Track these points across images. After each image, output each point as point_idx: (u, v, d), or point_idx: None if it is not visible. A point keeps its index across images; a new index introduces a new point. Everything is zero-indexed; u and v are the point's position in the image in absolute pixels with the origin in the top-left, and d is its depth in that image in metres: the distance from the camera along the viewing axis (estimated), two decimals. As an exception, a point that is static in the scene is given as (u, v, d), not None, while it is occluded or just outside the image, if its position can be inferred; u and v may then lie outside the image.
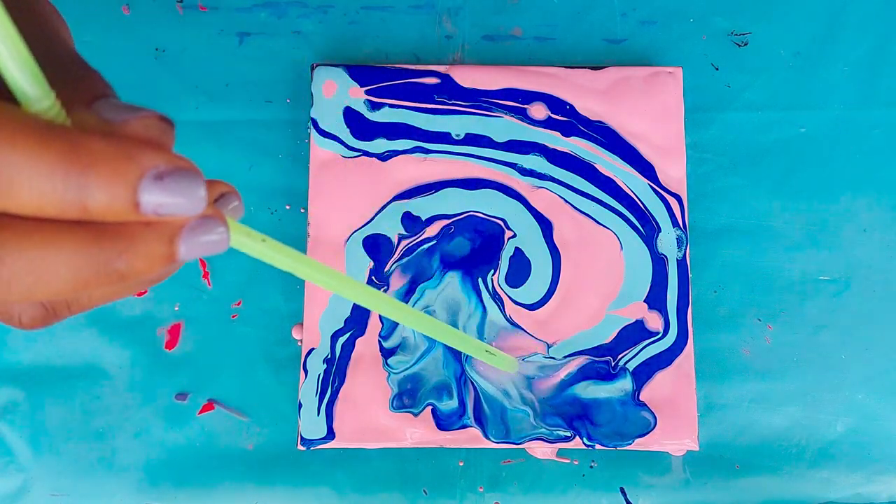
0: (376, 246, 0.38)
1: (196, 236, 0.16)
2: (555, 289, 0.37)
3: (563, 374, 0.37)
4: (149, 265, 0.15)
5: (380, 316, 0.37)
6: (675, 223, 0.38)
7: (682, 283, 0.37)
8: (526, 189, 0.38)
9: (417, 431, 0.36)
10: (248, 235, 0.18)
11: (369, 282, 0.37)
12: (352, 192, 0.38)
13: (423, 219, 0.38)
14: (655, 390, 0.37)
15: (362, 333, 0.37)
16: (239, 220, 0.18)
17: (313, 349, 0.37)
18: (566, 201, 0.38)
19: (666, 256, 0.38)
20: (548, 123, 0.38)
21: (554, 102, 0.38)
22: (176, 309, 0.39)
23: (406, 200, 0.38)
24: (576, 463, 0.38)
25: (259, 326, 0.39)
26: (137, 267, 0.15)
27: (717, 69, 0.41)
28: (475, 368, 0.37)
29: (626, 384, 0.37)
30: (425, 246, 0.38)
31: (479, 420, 0.36)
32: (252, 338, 0.39)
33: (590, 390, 0.37)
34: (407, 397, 0.36)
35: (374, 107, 0.38)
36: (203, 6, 0.41)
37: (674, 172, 0.38)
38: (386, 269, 0.37)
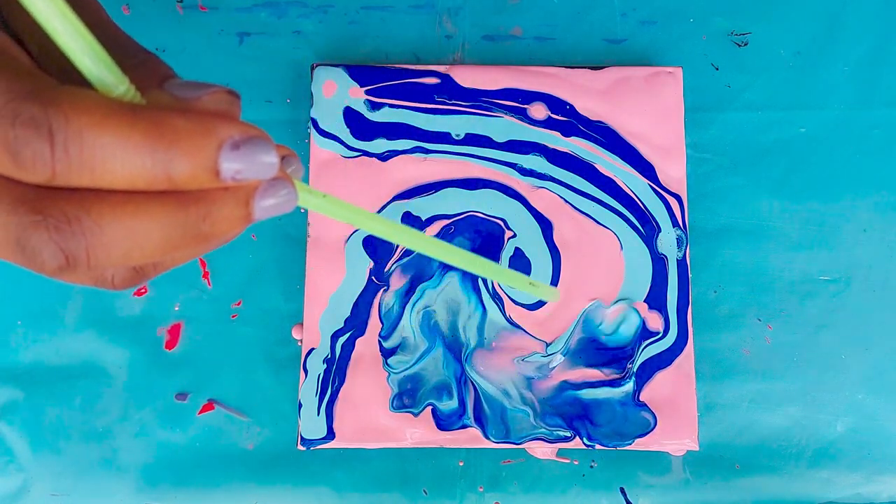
0: (376, 246, 0.38)
1: (268, 197, 0.17)
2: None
3: (565, 377, 0.37)
4: (229, 226, 0.17)
5: (380, 316, 0.37)
6: (675, 223, 0.38)
7: (682, 283, 0.37)
8: (526, 189, 0.38)
9: (417, 431, 0.36)
10: (311, 193, 0.19)
11: (369, 281, 0.37)
12: (352, 192, 0.38)
13: (423, 219, 0.38)
14: (655, 390, 0.37)
15: (362, 333, 0.37)
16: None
17: (313, 349, 0.37)
18: (566, 201, 0.38)
19: (666, 256, 0.38)
20: (548, 123, 0.38)
21: (554, 102, 0.38)
22: (176, 309, 0.39)
23: (406, 200, 0.38)
24: (576, 463, 0.38)
25: (259, 326, 0.39)
26: (219, 228, 0.17)
27: (717, 69, 0.41)
28: (475, 368, 0.37)
29: (626, 385, 0.37)
30: (425, 246, 0.37)
31: (479, 420, 0.36)
32: (252, 338, 0.39)
33: (590, 391, 0.37)
34: (407, 397, 0.37)
35: (374, 107, 0.38)
36: (203, 6, 0.41)
37: (674, 172, 0.38)
38: (386, 269, 0.37)
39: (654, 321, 0.37)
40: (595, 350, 0.37)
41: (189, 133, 0.15)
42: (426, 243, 0.23)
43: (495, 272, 0.28)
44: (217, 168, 0.16)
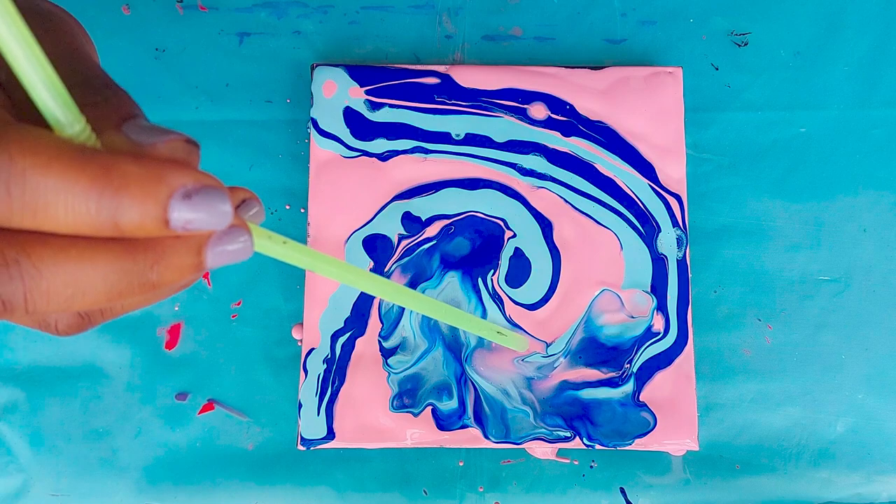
0: (376, 246, 0.38)
1: (222, 245, 0.17)
2: (555, 289, 0.37)
3: (565, 376, 0.37)
4: (179, 275, 0.16)
5: (379, 316, 0.37)
6: (675, 223, 0.38)
7: (682, 283, 0.37)
8: (526, 189, 0.38)
9: (417, 431, 0.36)
10: (270, 238, 0.19)
11: (369, 282, 0.37)
12: (352, 192, 0.38)
13: (423, 219, 0.38)
14: (655, 390, 0.37)
15: (362, 333, 0.37)
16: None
17: (313, 349, 0.37)
18: (566, 201, 0.38)
19: (666, 256, 0.38)
20: (548, 123, 0.38)
21: (554, 102, 0.38)
22: (176, 309, 0.39)
23: (406, 200, 0.38)
24: (576, 463, 0.38)
25: (259, 326, 0.39)
26: (168, 277, 0.16)
27: (717, 69, 0.41)
28: (475, 368, 0.37)
29: (627, 385, 0.37)
30: (425, 246, 0.38)
31: (479, 420, 0.36)
32: (252, 338, 0.39)
33: (590, 391, 0.37)
34: (407, 397, 0.37)
35: (374, 107, 0.38)
36: (203, 6, 0.41)
37: (674, 172, 0.38)
38: (386, 269, 0.37)
39: (655, 321, 0.37)
40: (595, 350, 0.37)
41: (139, 180, 0.15)
42: (391, 291, 0.23)
43: (463, 322, 0.28)
44: (167, 217, 0.15)
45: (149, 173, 0.15)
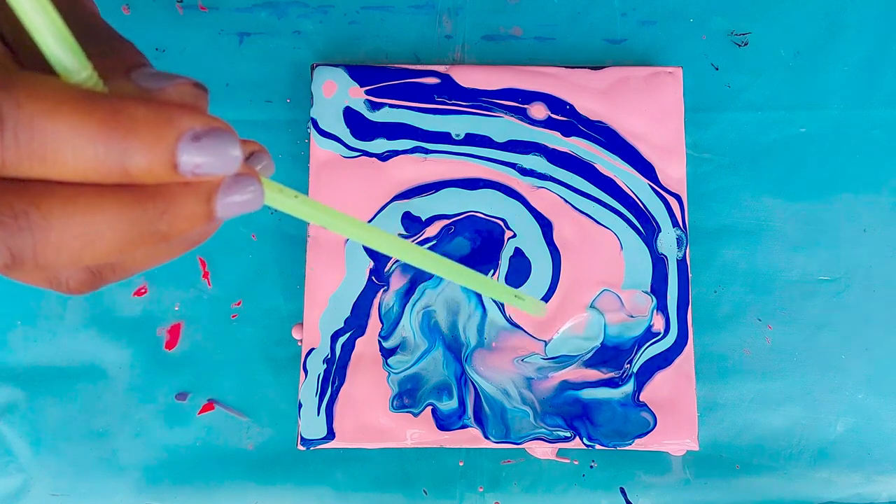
0: (376, 246, 0.37)
1: (232, 194, 0.16)
2: (555, 289, 0.37)
3: (565, 376, 0.37)
4: (189, 224, 0.16)
5: (379, 316, 0.37)
6: (675, 223, 0.38)
7: (682, 283, 0.37)
8: (526, 189, 0.38)
9: (417, 431, 0.36)
10: (281, 192, 0.18)
11: (369, 281, 0.37)
12: (352, 192, 0.38)
13: (423, 219, 0.38)
14: (655, 390, 0.37)
15: (362, 333, 0.37)
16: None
17: (313, 349, 0.37)
18: (566, 201, 0.38)
19: (666, 256, 0.38)
20: (548, 123, 0.38)
21: (554, 102, 0.38)
22: (176, 309, 0.39)
23: (406, 200, 0.38)
24: (576, 463, 0.38)
25: (259, 326, 0.39)
26: (178, 226, 0.16)
27: (717, 69, 0.41)
28: (475, 368, 0.37)
29: (627, 386, 0.37)
30: (425, 246, 0.38)
31: (479, 420, 0.36)
32: (252, 338, 0.39)
33: (590, 391, 0.37)
34: (407, 397, 0.37)
35: (374, 107, 0.38)
36: (203, 6, 0.41)
37: (674, 172, 0.38)
38: (386, 269, 0.37)
39: (655, 322, 0.37)
40: (594, 350, 0.37)
41: (147, 123, 0.15)
42: (403, 248, 0.22)
43: (478, 282, 0.28)
44: (175, 161, 0.15)
45: (157, 116, 0.15)
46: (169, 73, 0.17)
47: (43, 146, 0.14)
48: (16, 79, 0.14)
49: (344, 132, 0.38)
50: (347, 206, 0.38)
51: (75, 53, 0.15)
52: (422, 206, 0.38)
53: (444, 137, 0.38)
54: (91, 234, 0.15)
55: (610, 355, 0.37)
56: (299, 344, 0.38)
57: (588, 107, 0.38)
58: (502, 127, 0.38)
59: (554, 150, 0.38)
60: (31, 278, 0.17)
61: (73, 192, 0.15)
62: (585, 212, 0.38)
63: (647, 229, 0.38)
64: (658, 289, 0.37)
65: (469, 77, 0.39)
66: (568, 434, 0.36)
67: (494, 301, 0.37)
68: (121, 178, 0.15)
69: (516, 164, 0.38)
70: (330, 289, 0.37)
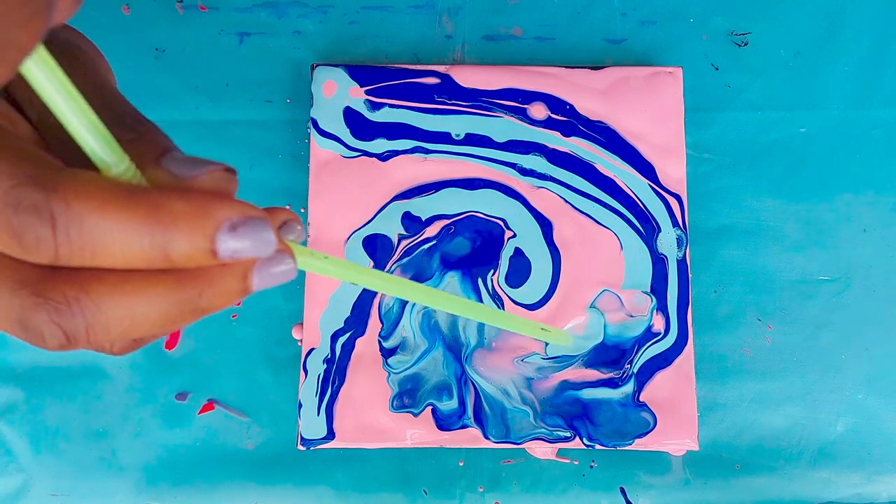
0: (376, 246, 0.38)
1: (267, 269, 0.18)
2: (555, 289, 0.37)
3: (565, 376, 0.37)
4: (226, 300, 0.17)
5: (379, 316, 0.37)
6: (675, 223, 0.38)
7: (682, 283, 0.37)
8: (526, 189, 0.38)
9: (417, 431, 0.36)
10: (311, 255, 0.19)
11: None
12: (352, 192, 0.38)
13: (423, 219, 0.38)
14: (655, 390, 0.37)
15: (362, 333, 0.37)
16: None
17: (313, 349, 0.37)
18: (566, 201, 0.38)
19: (666, 256, 0.38)
20: (548, 123, 0.38)
21: (554, 102, 0.38)
22: (176, 309, 0.39)
23: (406, 200, 0.38)
24: (576, 463, 0.38)
25: (259, 326, 0.39)
26: (217, 303, 0.17)
27: (717, 69, 0.41)
28: (475, 368, 0.37)
29: (627, 386, 0.37)
30: (425, 246, 0.38)
31: (479, 420, 0.36)
32: (252, 338, 0.39)
33: (590, 391, 0.37)
34: (407, 397, 0.37)
35: (374, 107, 0.38)
36: (203, 6, 0.41)
37: (674, 172, 0.38)
38: (386, 270, 0.37)
39: (656, 322, 0.37)
40: (595, 350, 0.37)
41: (187, 216, 0.16)
42: (431, 297, 0.24)
43: (505, 321, 0.28)
44: (214, 248, 0.16)
45: (195, 209, 0.16)
46: (199, 159, 0.18)
47: (92, 241, 0.15)
48: (62, 178, 0.15)
49: (344, 132, 0.38)
50: (347, 206, 0.38)
51: (113, 149, 0.16)
52: (422, 206, 0.38)
53: (444, 137, 0.38)
54: (137, 315, 0.16)
55: (610, 355, 0.37)
56: (299, 344, 0.38)
57: (588, 107, 0.38)
58: (502, 127, 0.38)
59: (554, 150, 0.38)
60: (79, 349, 0.19)
61: (120, 278, 0.16)
62: (585, 212, 0.38)
63: (647, 229, 0.38)
64: (658, 289, 0.37)
65: (469, 77, 0.39)
66: (568, 434, 0.36)
67: (494, 301, 0.37)
68: (164, 264, 0.16)
69: (516, 164, 0.38)
70: (330, 289, 0.37)
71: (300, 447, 0.36)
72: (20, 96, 0.19)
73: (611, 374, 0.37)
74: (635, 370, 0.37)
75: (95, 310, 0.16)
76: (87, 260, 0.15)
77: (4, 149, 0.16)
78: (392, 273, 0.37)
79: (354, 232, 0.38)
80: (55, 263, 0.15)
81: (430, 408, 0.36)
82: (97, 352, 0.19)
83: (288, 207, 0.20)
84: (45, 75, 0.15)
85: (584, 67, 0.39)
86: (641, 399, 0.37)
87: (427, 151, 0.38)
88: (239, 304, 0.39)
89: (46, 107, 0.16)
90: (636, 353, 0.37)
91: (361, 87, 0.38)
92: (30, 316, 0.16)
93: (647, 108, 0.38)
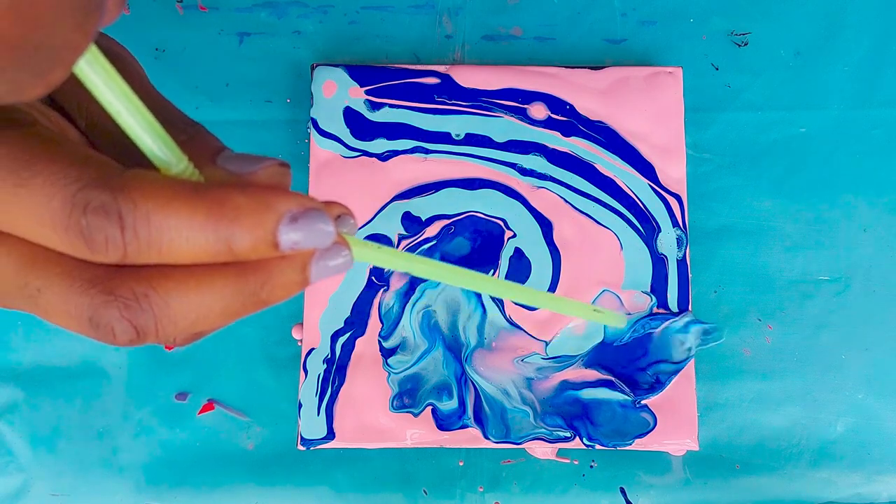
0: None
1: (325, 261, 0.18)
2: (555, 289, 0.37)
3: (565, 376, 0.37)
4: (286, 291, 0.18)
5: (380, 316, 0.37)
6: (675, 223, 0.38)
7: (682, 283, 0.37)
8: (526, 189, 0.38)
9: (417, 431, 0.36)
10: (365, 246, 0.20)
11: (369, 281, 0.37)
12: (352, 192, 0.38)
13: (423, 219, 0.38)
14: (655, 390, 0.37)
15: (362, 333, 0.37)
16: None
17: (313, 349, 0.37)
18: (566, 201, 0.38)
19: (666, 256, 0.38)
20: (548, 123, 0.38)
21: (554, 102, 0.38)
22: (176, 309, 0.39)
23: (406, 200, 0.38)
24: (576, 463, 0.38)
25: (259, 326, 0.39)
26: (277, 294, 0.18)
27: (717, 69, 0.41)
28: (475, 368, 0.37)
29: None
30: (425, 246, 0.38)
31: (479, 420, 0.36)
32: (252, 338, 0.39)
33: (590, 390, 0.37)
34: (407, 397, 0.37)
35: (374, 107, 0.38)
36: (203, 6, 0.41)
37: (674, 172, 0.38)
38: (386, 270, 0.37)
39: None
40: (594, 349, 0.37)
41: (249, 209, 0.16)
42: (483, 283, 0.24)
43: (558, 304, 0.29)
44: (276, 240, 0.16)
45: (257, 203, 0.16)
46: (252, 156, 0.18)
47: (159, 238, 0.15)
48: (127, 179, 0.16)
49: (344, 132, 0.38)
50: (347, 206, 0.38)
51: (171, 149, 0.17)
52: (422, 206, 0.38)
53: (444, 137, 0.38)
54: (203, 308, 0.17)
55: (609, 354, 0.37)
56: (299, 344, 0.38)
57: (588, 107, 0.38)
58: (502, 127, 0.38)
59: (554, 150, 0.38)
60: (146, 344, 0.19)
61: (186, 273, 0.17)
62: (585, 212, 0.38)
63: (647, 229, 0.38)
64: (658, 289, 0.37)
65: (469, 77, 0.39)
66: (568, 434, 0.36)
67: (494, 301, 0.37)
68: (227, 257, 0.16)
69: (516, 164, 0.38)
70: (330, 289, 0.37)
71: (300, 447, 0.36)
72: (69, 105, 0.19)
73: (611, 375, 0.37)
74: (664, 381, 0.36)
75: (164, 304, 0.16)
76: (153, 257, 0.16)
77: (66, 154, 0.16)
78: (392, 273, 0.37)
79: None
80: (123, 262, 0.16)
81: (430, 408, 0.36)
82: (161, 343, 0.20)
83: (342, 204, 0.21)
84: (100, 77, 0.15)
85: (584, 67, 0.39)
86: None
87: (427, 151, 0.38)
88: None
89: (96, 113, 0.16)
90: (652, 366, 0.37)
91: (361, 87, 0.38)
92: (101, 314, 0.16)
93: (647, 108, 0.38)
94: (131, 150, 0.17)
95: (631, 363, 0.37)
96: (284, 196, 0.17)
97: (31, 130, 0.17)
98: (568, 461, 0.38)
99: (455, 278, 0.23)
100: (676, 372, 0.36)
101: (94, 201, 0.15)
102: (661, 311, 0.37)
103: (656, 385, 0.36)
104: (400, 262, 0.21)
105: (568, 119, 0.38)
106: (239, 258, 0.17)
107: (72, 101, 0.19)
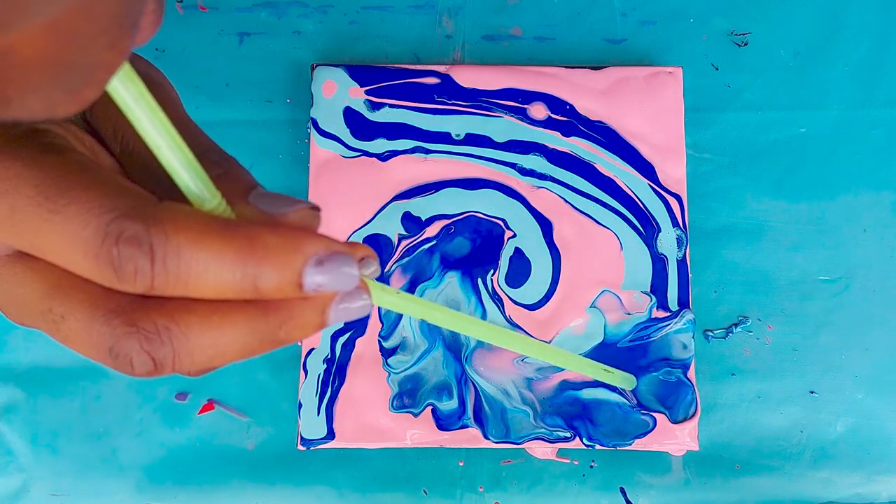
0: (376, 246, 0.38)
1: (345, 304, 0.18)
2: (555, 289, 0.37)
3: (565, 376, 0.37)
4: (304, 332, 0.18)
5: (379, 316, 0.37)
6: (675, 223, 0.38)
7: (682, 283, 0.37)
8: (526, 189, 0.38)
9: (417, 431, 0.36)
10: (384, 291, 0.20)
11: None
12: (352, 192, 0.38)
13: (423, 219, 0.38)
14: (655, 390, 0.37)
15: (362, 333, 0.37)
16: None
17: (313, 349, 0.37)
18: (566, 201, 0.38)
19: (666, 256, 0.38)
20: (548, 123, 0.38)
21: (554, 102, 0.38)
22: (176, 309, 0.39)
23: (406, 200, 0.38)
24: (576, 463, 0.38)
25: (259, 326, 0.39)
26: (294, 335, 0.18)
27: (717, 69, 0.41)
28: (475, 368, 0.37)
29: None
30: (425, 246, 0.38)
31: (479, 420, 0.36)
32: (252, 338, 0.39)
33: (590, 390, 0.37)
34: (407, 397, 0.37)
35: (374, 107, 0.38)
36: (203, 6, 0.41)
37: (674, 172, 0.38)
38: (386, 270, 0.37)
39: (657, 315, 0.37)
40: (594, 349, 0.37)
41: (278, 249, 0.16)
42: (498, 335, 0.24)
43: (569, 361, 0.29)
44: (301, 282, 0.17)
45: (287, 244, 0.16)
46: (285, 196, 0.19)
47: (188, 272, 0.16)
48: (160, 211, 0.16)
49: (344, 132, 0.38)
50: (347, 206, 0.38)
51: (206, 186, 0.17)
52: (422, 206, 0.38)
53: (444, 137, 0.38)
54: (222, 345, 0.17)
55: (609, 355, 0.37)
56: (299, 344, 0.38)
57: (588, 107, 0.38)
58: (502, 127, 0.38)
59: (554, 150, 0.38)
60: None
61: (209, 308, 0.17)
62: (585, 212, 0.38)
63: (647, 229, 0.38)
64: (658, 289, 0.37)
65: (469, 77, 0.39)
66: (568, 434, 0.36)
67: (494, 301, 0.37)
68: (251, 295, 0.16)
69: (516, 164, 0.38)
70: (330, 289, 0.37)
71: (300, 447, 0.36)
72: (104, 130, 0.20)
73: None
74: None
75: (184, 339, 0.16)
76: (180, 290, 0.16)
77: (101, 182, 0.16)
78: (392, 273, 0.37)
79: (354, 232, 0.38)
80: (148, 293, 0.16)
81: (430, 408, 0.36)
82: (176, 374, 0.20)
83: (367, 246, 0.21)
84: (132, 96, 0.16)
85: (584, 67, 0.39)
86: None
87: (427, 151, 0.38)
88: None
89: (132, 140, 0.16)
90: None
91: (361, 87, 0.38)
92: (122, 345, 0.16)
93: (647, 108, 0.38)
94: (164, 181, 0.17)
95: (631, 363, 0.37)
96: (313, 238, 0.17)
97: (67, 157, 0.17)
98: (568, 461, 0.38)
99: (471, 329, 0.23)
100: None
101: (128, 231, 0.15)
102: (660, 313, 0.37)
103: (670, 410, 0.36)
104: (417, 309, 0.21)
105: (568, 119, 0.38)
106: (263, 297, 0.17)
107: (107, 126, 0.19)
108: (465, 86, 0.39)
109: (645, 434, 0.36)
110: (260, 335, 0.17)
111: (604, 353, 0.37)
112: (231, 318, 0.17)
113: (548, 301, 0.37)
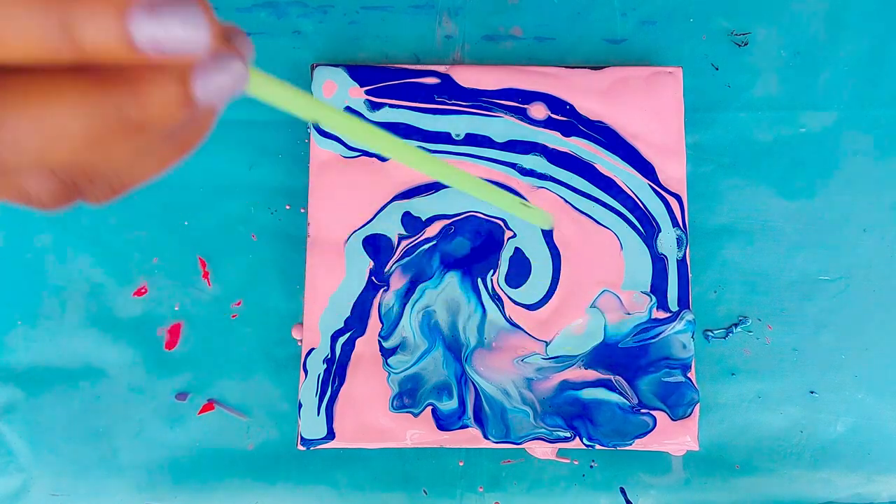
0: (376, 246, 0.38)
1: (211, 74, 0.15)
2: (555, 289, 0.37)
3: (565, 376, 0.37)
4: (164, 109, 0.14)
5: (379, 316, 0.37)
6: (675, 223, 0.38)
7: (682, 283, 0.37)
8: (526, 189, 0.38)
9: (417, 431, 0.36)
10: (266, 78, 0.16)
11: (369, 281, 0.37)
12: (352, 192, 0.38)
13: (423, 219, 0.38)
14: (655, 390, 0.37)
15: (362, 333, 0.37)
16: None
17: (313, 349, 0.37)
18: (566, 201, 0.38)
19: (666, 256, 0.38)
20: (548, 123, 0.38)
21: (554, 102, 0.38)
22: (176, 309, 0.39)
23: (406, 200, 0.38)
24: (576, 463, 0.38)
25: (259, 326, 0.39)
26: (152, 112, 0.14)
27: (717, 69, 0.41)
28: (475, 368, 0.37)
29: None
30: (425, 246, 0.38)
31: (479, 420, 0.36)
32: (252, 338, 0.39)
33: (590, 390, 0.37)
34: (407, 397, 0.37)
35: (375, 107, 0.38)
36: (203, 6, 0.41)
37: (674, 172, 0.38)
38: (386, 270, 0.37)
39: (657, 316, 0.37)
40: (594, 349, 0.37)
41: None
42: (390, 144, 0.20)
43: (475, 187, 0.26)
44: (128, 34, 0.13)
45: None
46: None
47: None
48: None
49: (344, 132, 0.38)
50: (347, 206, 0.38)
51: None
52: (422, 206, 0.38)
53: (444, 137, 0.38)
54: (51, 128, 0.14)
55: (610, 355, 0.37)
56: (299, 344, 0.38)
57: (588, 107, 0.38)
58: (502, 127, 0.38)
59: (554, 150, 0.38)
60: None
61: (26, 80, 0.13)
62: (585, 212, 0.38)
63: (647, 229, 0.38)
64: (658, 289, 0.37)
65: (469, 77, 0.39)
66: (568, 434, 0.36)
67: (494, 301, 0.37)
68: (73, 54, 0.13)
69: (516, 164, 0.38)
70: (330, 289, 0.37)
71: (300, 447, 0.36)
72: None
73: (611, 375, 0.36)
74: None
75: None
76: None
77: None
78: (392, 273, 0.37)
79: (354, 232, 0.38)
80: None
81: (430, 408, 0.36)
82: (23, 203, 0.16)
83: (231, 23, 0.17)
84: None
85: (584, 67, 0.39)
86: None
87: (427, 151, 0.38)
88: (240, 304, 0.39)
89: None
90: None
91: (361, 87, 0.38)
92: None
93: (647, 108, 0.38)
94: None
95: (632, 363, 0.37)
96: None
97: None
98: (568, 461, 0.38)
99: (361, 134, 0.19)
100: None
101: None
102: (660, 313, 0.37)
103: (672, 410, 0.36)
104: (302, 105, 0.17)
105: (568, 119, 0.38)
106: (91, 58, 0.13)
107: None
108: (465, 86, 0.39)
109: (645, 434, 0.36)
110: (102, 112, 0.14)
111: (604, 353, 0.37)
112: (58, 90, 0.14)
113: (548, 301, 0.37)
